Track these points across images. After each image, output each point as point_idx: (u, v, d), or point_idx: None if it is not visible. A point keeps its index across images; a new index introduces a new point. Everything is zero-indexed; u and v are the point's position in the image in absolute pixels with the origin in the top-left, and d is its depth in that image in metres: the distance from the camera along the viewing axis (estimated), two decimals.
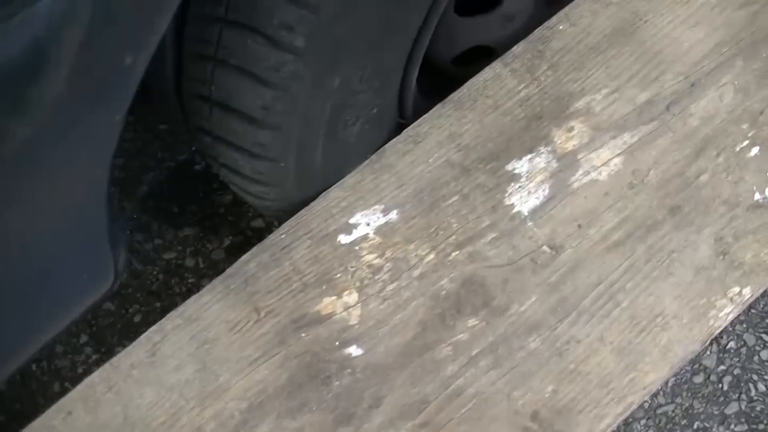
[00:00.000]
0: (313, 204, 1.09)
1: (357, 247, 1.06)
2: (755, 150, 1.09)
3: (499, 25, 1.19)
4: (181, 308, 1.07)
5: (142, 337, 1.06)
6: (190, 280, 1.74)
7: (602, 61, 1.14)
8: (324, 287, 1.05)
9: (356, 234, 1.07)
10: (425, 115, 1.12)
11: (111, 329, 1.74)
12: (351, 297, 1.04)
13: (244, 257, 1.08)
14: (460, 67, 1.24)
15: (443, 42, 1.18)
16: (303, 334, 1.04)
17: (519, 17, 1.20)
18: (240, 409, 1.01)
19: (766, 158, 1.09)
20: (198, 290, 1.07)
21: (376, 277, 1.05)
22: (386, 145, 1.11)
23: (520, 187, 1.08)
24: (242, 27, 0.83)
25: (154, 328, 1.06)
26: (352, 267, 1.05)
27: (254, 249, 1.08)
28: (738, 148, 1.09)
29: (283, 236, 1.08)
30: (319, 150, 1.01)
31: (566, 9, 1.16)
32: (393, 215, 1.07)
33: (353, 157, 1.08)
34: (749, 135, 1.09)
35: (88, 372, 1.71)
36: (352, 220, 1.07)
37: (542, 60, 1.14)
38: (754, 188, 1.06)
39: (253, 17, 0.82)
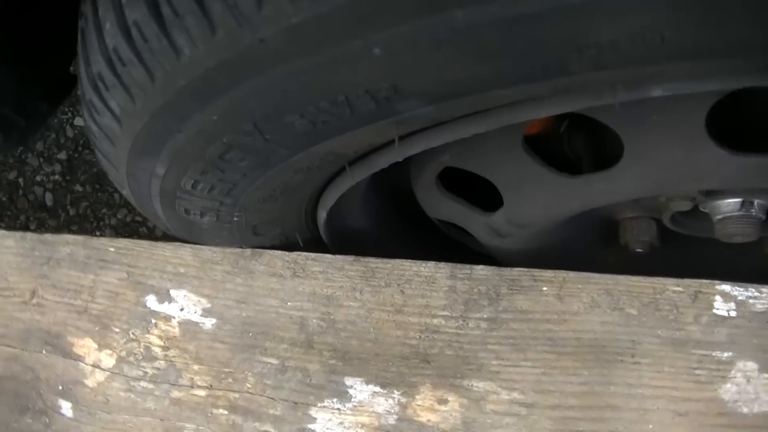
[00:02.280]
0: (162, 245, 0.93)
1: (153, 321, 0.90)
2: None
3: (484, 230, 0.92)
4: None
5: None
6: None
7: (546, 363, 0.86)
8: (97, 328, 0.91)
9: (164, 308, 0.90)
10: (333, 257, 0.90)
11: (86, 167, 1.69)
12: (108, 360, 0.90)
13: (69, 237, 0.95)
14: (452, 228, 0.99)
15: (423, 202, 0.93)
16: (44, 352, 0.92)
17: (512, 238, 0.91)
18: None
19: None
20: None
21: (143, 364, 0.89)
22: (270, 253, 0.91)
23: (335, 410, 0.86)
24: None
25: None
26: (133, 334, 0.90)
27: (81, 238, 0.95)
28: None
29: (112, 249, 0.93)
30: (159, 210, 0.83)
31: (572, 276, 0.87)
32: (209, 322, 0.89)
33: (210, 239, 0.89)
34: None
35: (42, 183, 1.70)
36: (174, 292, 0.91)
37: (493, 304, 0.87)
38: None
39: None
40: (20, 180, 1.71)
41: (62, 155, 1.73)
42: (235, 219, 0.81)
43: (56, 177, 1.72)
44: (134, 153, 0.69)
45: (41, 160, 1.74)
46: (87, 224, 1.67)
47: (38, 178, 1.74)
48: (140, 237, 1.65)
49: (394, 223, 1.04)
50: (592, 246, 1.00)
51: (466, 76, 0.53)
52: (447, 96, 0.57)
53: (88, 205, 1.70)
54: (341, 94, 0.56)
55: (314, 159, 0.68)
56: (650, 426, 0.84)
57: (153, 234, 1.63)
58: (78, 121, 1.73)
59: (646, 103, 0.68)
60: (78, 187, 1.71)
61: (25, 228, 1.71)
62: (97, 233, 1.68)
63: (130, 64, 0.54)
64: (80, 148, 1.72)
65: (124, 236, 1.65)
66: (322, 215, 0.85)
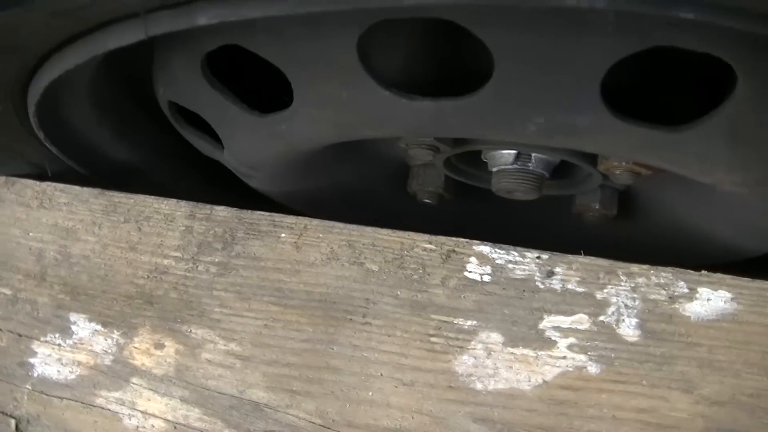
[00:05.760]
0: None
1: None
2: None
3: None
4: None
5: None
6: None
7: (269, 315, 0.80)
8: None
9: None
10: (80, 189, 0.86)
11: None
12: None
13: None
14: None
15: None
16: None
17: (255, 179, 0.84)
18: None
19: None
20: None
21: None
22: (23, 182, 0.88)
23: (56, 345, 0.84)
24: None
25: None
26: None
27: None
28: None
29: None
30: None
31: None
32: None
33: None
34: None
35: None
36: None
37: (227, 248, 0.82)
38: None
39: None
40: None
41: None
42: None
43: None
44: None
45: None
46: None
47: None
48: None
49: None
50: (385, 194, 0.92)
51: None
52: None
53: None
54: None
55: None
56: (370, 393, 0.77)
57: None
58: None
59: (307, 33, 0.60)
60: None
61: None
62: None
63: None
64: None
65: None
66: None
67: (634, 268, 0.77)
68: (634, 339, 0.75)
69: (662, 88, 0.66)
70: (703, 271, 0.76)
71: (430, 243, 0.79)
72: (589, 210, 0.85)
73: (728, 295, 0.76)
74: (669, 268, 0.77)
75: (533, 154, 0.78)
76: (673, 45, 0.55)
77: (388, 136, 0.70)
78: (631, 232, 0.91)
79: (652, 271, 0.77)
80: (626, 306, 0.76)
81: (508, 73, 0.57)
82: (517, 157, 0.78)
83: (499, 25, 0.55)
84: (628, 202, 0.88)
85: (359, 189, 0.91)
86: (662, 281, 0.76)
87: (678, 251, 0.86)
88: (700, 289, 0.76)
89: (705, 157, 0.63)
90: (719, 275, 0.76)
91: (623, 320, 0.76)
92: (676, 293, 0.76)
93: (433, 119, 0.62)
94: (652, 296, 0.76)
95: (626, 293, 0.76)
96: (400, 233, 0.80)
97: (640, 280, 0.77)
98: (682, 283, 0.76)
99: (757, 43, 0.53)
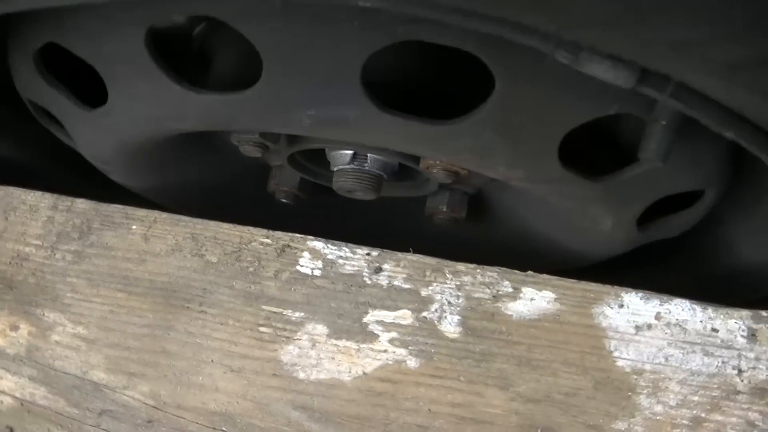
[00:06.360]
0: None
1: None
2: None
3: None
4: None
5: None
6: None
7: (115, 302, 0.84)
8: None
9: None
10: None
11: None
12: None
13: None
14: None
15: None
16: None
17: (114, 174, 0.88)
18: None
19: None
20: None
21: None
22: None
23: None
24: None
25: None
26: None
27: None
28: None
29: None
30: None
31: None
32: None
33: None
34: None
35: None
36: None
37: (83, 238, 0.86)
38: None
39: None
40: None
41: None
42: None
43: None
44: None
45: None
46: None
47: None
48: None
49: None
50: (249, 193, 0.96)
51: None
52: None
53: None
54: None
55: None
56: (200, 378, 0.80)
57: None
58: None
59: (104, 30, 0.65)
60: None
61: None
62: None
63: None
64: None
65: None
66: None
67: (461, 266, 0.79)
68: (455, 335, 0.77)
69: (447, 83, 0.68)
70: (530, 272, 0.78)
71: (267, 237, 0.83)
72: (438, 212, 0.87)
73: (552, 295, 0.77)
74: (496, 268, 0.79)
75: (369, 155, 0.81)
76: (420, 40, 0.57)
77: (190, 130, 0.73)
78: (488, 236, 0.93)
79: (478, 270, 0.79)
80: (450, 303, 0.78)
81: (274, 68, 0.60)
82: (354, 157, 0.81)
83: (256, 21, 0.58)
84: (481, 206, 0.90)
85: (226, 187, 0.94)
86: (488, 280, 0.78)
87: (531, 257, 0.87)
88: (524, 289, 0.78)
89: (479, 151, 0.65)
90: (545, 276, 0.78)
91: (446, 317, 0.78)
92: (500, 292, 0.78)
93: (222, 112, 0.66)
94: (476, 294, 0.78)
95: (451, 291, 0.78)
96: (241, 228, 0.84)
97: (466, 278, 0.79)
98: (507, 282, 0.78)
99: (506, 44, 0.55)
